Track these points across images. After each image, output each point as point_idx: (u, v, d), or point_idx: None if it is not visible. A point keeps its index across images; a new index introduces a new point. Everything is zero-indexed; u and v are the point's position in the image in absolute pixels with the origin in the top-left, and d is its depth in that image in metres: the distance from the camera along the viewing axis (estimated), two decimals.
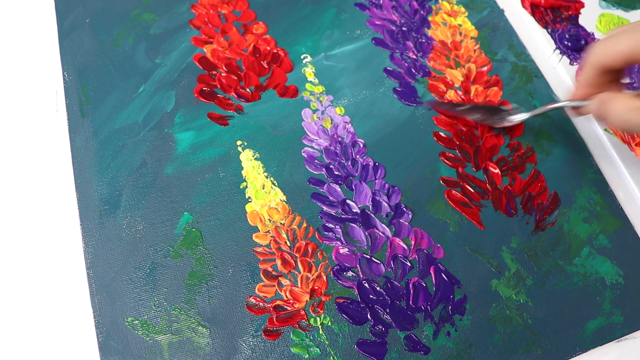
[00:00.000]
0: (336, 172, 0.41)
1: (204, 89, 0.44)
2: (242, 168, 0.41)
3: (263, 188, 0.40)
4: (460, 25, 0.49)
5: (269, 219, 0.39)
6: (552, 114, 0.44)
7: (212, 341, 0.35)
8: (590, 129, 0.44)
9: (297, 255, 0.38)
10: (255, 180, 0.40)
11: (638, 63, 0.34)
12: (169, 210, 0.39)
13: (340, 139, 0.42)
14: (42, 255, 0.37)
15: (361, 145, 0.42)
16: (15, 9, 0.48)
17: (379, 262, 0.37)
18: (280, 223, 0.39)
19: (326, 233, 0.38)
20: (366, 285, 0.37)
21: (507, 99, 0.45)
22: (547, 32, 0.49)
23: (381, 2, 0.50)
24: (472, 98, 0.45)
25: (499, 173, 0.41)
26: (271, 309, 0.36)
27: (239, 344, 0.35)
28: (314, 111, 0.43)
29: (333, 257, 0.38)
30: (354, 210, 0.39)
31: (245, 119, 0.43)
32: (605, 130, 0.44)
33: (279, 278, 0.37)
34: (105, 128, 0.42)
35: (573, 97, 0.39)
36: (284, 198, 0.40)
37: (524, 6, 0.50)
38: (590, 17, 0.50)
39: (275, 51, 0.46)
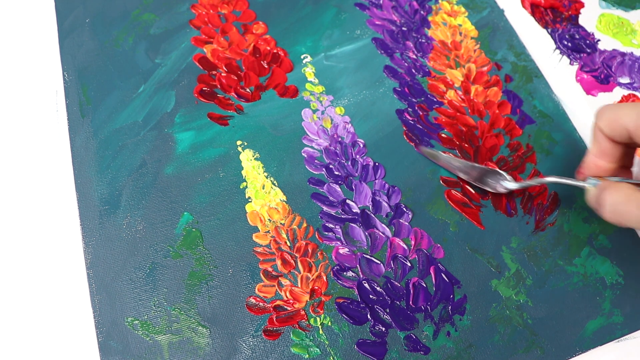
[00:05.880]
0: (336, 172, 0.41)
1: (204, 89, 0.44)
2: (242, 168, 0.41)
3: (263, 188, 0.40)
4: (460, 25, 0.49)
5: (269, 219, 0.39)
6: (553, 113, 0.44)
7: (212, 341, 0.35)
8: (590, 129, 0.44)
9: (297, 255, 0.38)
10: (255, 180, 0.40)
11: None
12: (169, 210, 0.39)
13: (340, 139, 0.42)
14: (42, 255, 0.37)
15: (361, 145, 0.42)
16: (15, 9, 0.48)
17: (379, 262, 0.37)
18: (280, 223, 0.39)
19: (326, 233, 0.38)
20: (366, 285, 0.37)
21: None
22: (547, 32, 0.49)
23: (381, 2, 0.50)
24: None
25: None
26: (271, 309, 0.36)
27: (239, 344, 0.35)
28: (314, 111, 0.43)
29: (333, 257, 0.38)
30: (354, 210, 0.39)
31: (245, 119, 0.43)
32: None
33: (279, 278, 0.37)
34: (105, 128, 0.42)
35: (581, 171, 0.35)
36: (284, 198, 0.40)
37: (524, 6, 0.50)
38: (590, 17, 0.50)
39: (275, 51, 0.46)
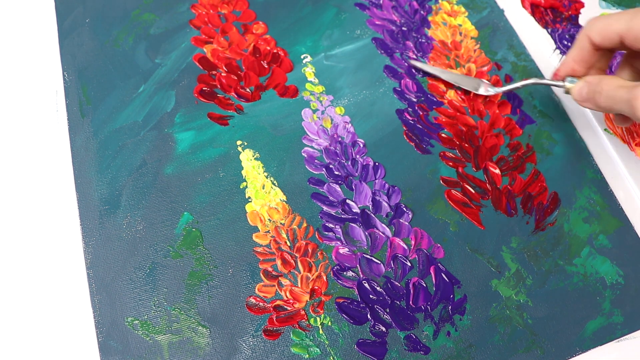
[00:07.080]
0: (336, 172, 0.41)
1: (204, 89, 0.44)
2: (242, 168, 0.41)
3: (263, 188, 0.40)
4: (460, 25, 0.49)
5: (269, 219, 0.39)
6: (553, 113, 0.44)
7: (212, 341, 0.35)
8: (590, 129, 0.44)
9: (297, 255, 0.38)
10: (255, 180, 0.40)
11: (631, 46, 0.34)
12: (169, 210, 0.39)
13: (340, 139, 0.42)
14: (42, 255, 0.37)
15: (361, 145, 0.42)
16: (15, 9, 0.48)
17: (379, 262, 0.37)
18: (280, 223, 0.39)
19: (326, 233, 0.38)
20: (366, 285, 0.37)
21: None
22: (547, 32, 0.49)
23: (381, 2, 0.50)
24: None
25: (499, 173, 0.41)
26: (271, 309, 0.36)
27: (239, 344, 0.35)
28: (314, 111, 0.43)
29: (333, 257, 0.38)
30: (354, 210, 0.39)
31: (245, 119, 0.43)
32: (605, 130, 0.44)
33: (279, 278, 0.37)
34: (105, 128, 0.42)
35: (558, 72, 0.39)
36: (284, 198, 0.40)
37: (524, 6, 0.50)
38: (590, 17, 0.50)
39: (275, 51, 0.46)
